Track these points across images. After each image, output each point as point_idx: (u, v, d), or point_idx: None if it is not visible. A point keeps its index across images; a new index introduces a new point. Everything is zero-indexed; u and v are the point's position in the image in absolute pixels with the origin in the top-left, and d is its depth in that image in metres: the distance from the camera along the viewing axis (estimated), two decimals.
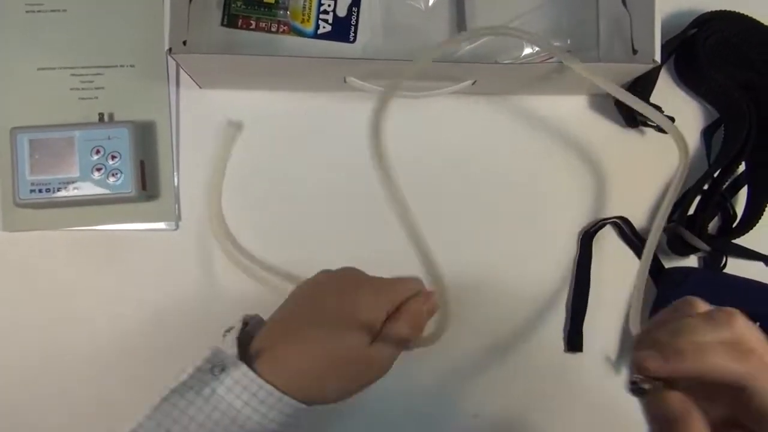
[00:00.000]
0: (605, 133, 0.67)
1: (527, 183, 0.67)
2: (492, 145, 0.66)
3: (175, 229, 0.65)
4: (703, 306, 0.37)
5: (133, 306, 0.63)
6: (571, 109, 0.67)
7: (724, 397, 0.34)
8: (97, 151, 0.58)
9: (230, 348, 0.44)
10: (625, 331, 0.66)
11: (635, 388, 0.33)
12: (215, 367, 0.43)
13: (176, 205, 0.64)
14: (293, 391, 0.43)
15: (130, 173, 0.59)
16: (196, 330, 0.54)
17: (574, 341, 0.65)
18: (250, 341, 0.46)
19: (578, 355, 0.65)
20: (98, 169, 0.58)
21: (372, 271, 0.51)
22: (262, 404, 0.42)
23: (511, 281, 0.66)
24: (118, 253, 0.64)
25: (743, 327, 0.34)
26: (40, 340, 0.62)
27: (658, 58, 0.56)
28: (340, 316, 0.46)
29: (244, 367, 0.42)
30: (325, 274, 0.50)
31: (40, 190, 0.58)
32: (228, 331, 0.46)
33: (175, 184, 0.64)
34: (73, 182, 0.58)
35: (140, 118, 0.63)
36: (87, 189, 0.58)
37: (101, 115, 0.61)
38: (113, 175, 0.58)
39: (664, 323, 0.36)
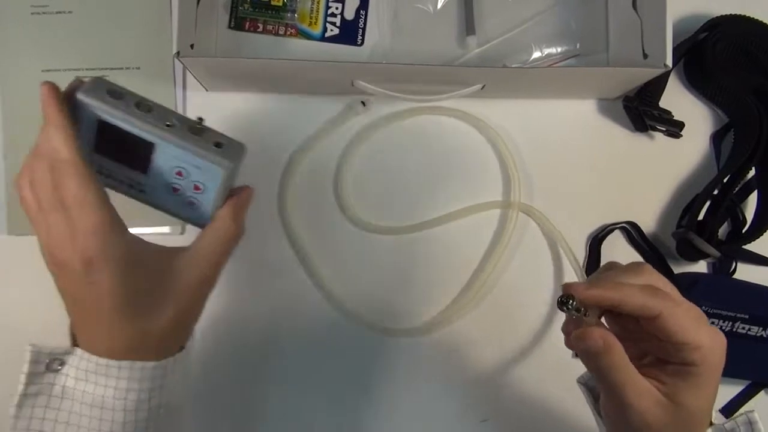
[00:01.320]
0: (614, 137, 0.66)
1: (535, 187, 0.66)
2: (498, 148, 0.66)
3: (181, 233, 0.64)
4: (621, 264, 0.42)
5: None
6: (579, 113, 0.67)
7: (646, 342, 0.40)
8: (179, 173, 0.44)
9: (61, 342, 0.42)
10: None
11: (561, 301, 0.38)
12: (52, 362, 0.40)
13: None
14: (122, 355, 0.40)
15: (210, 208, 0.46)
16: (204, 343, 0.53)
17: None
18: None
19: None
20: (174, 189, 0.45)
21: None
22: (113, 378, 0.39)
23: (520, 286, 0.65)
24: None
25: (653, 273, 0.40)
26: None
27: (669, 62, 0.56)
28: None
29: (79, 351, 0.40)
30: None
31: (100, 171, 0.45)
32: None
33: None
34: (138, 184, 0.46)
35: None
36: (154, 197, 0.47)
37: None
38: (190, 203, 0.46)
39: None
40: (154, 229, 0.63)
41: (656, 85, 0.63)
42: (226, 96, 0.64)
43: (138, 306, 0.40)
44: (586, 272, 0.66)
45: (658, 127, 0.64)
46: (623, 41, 0.64)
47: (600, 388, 0.42)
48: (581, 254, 0.66)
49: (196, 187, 0.45)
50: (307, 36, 0.65)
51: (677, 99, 0.67)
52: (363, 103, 0.64)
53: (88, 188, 0.38)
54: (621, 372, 0.38)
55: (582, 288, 0.38)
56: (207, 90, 0.64)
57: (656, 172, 0.66)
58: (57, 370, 0.40)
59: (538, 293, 0.65)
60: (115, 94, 0.42)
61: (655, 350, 0.40)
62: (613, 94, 0.66)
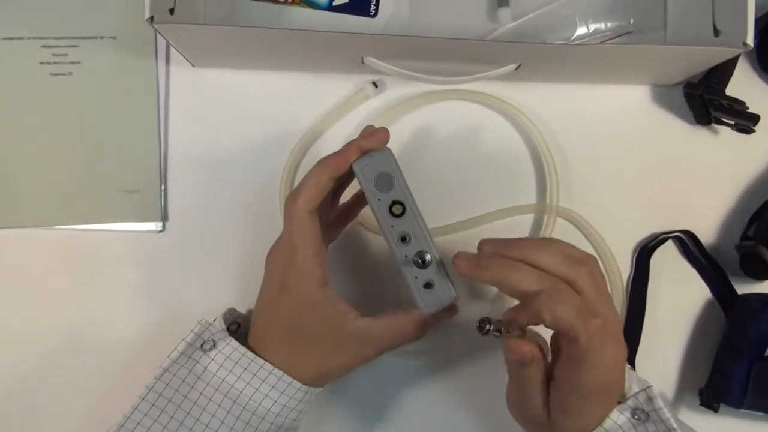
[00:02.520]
0: (671, 130, 0.58)
1: (575, 188, 0.57)
2: (535, 142, 0.56)
3: (160, 231, 0.55)
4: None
5: (105, 324, 0.55)
6: (630, 101, 0.58)
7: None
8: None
9: (218, 327, 0.45)
10: (687, 368, 0.56)
11: (479, 326, 0.40)
12: (205, 343, 0.44)
13: (162, 202, 0.55)
14: (285, 368, 0.43)
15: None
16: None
17: None
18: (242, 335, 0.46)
19: None
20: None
21: None
22: (255, 378, 0.43)
23: None
24: (87, 262, 0.55)
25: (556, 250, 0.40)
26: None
27: (750, 40, 0.46)
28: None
29: (233, 342, 0.43)
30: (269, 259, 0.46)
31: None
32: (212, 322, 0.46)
33: (161, 177, 0.55)
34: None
35: (123, 97, 0.54)
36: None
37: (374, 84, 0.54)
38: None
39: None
40: (127, 226, 0.55)
41: (725, 70, 0.53)
42: (215, 73, 0.56)
43: (305, 340, 0.44)
44: (631, 288, 0.56)
45: (726, 120, 0.54)
46: (686, 16, 0.54)
47: (511, 380, 0.44)
48: (626, 267, 0.57)
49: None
50: (313, 5, 0.55)
51: (746, 87, 0.57)
52: (374, 84, 0.56)
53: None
54: (534, 383, 0.41)
55: (465, 265, 0.41)
56: (193, 65, 0.56)
57: (720, 172, 0.58)
58: (206, 350, 0.43)
59: None
60: (382, 183, 0.43)
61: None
62: (673, 79, 0.56)
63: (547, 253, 0.39)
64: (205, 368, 0.43)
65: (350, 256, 0.56)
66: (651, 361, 0.55)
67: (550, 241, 0.41)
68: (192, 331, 0.44)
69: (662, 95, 0.58)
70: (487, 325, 0.39)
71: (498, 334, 0.39)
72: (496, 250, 0.41)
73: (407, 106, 0.56)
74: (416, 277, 0.43)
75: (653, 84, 0.58)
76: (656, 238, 0.56)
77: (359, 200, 0.50)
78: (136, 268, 0.55)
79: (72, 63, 0.54)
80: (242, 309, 0.52)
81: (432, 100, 0.57)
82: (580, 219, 0.56)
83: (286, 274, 0.43)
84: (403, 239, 0.42)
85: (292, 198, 0.43)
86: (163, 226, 0.55)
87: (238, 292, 0.55)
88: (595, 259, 0.40)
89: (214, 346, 0.43)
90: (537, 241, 0.47)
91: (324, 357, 0.45)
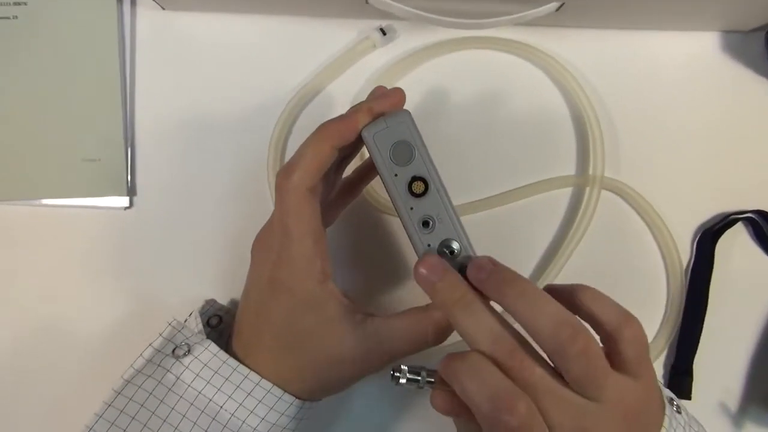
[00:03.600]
0: (745, 87, 0.49)
1: (623, 158, 0.48)
2: (576, 101, 0.47)
3: (127, 208, 0.47)
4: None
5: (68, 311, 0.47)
6: (695, 50, 0.49)
7: None
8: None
9: (194, 326, 0.39)
10: (755, 375, 0.47)
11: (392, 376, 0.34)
12: (178, 348, 0.37)
13: (128, 173, 0.47)
14: (276, 380, 0.37)
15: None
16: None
17: (679, 383, 0.47)
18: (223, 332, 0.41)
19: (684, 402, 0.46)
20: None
21: None
22: (239, 390, 0.36)
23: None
24: (40, 243, 0.47)
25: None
26: None
27: None
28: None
29: (212, 346, 0.37)
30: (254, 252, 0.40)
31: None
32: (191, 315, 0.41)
33: (127, 143, 0.47)
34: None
35: (79, 48, 0.46)
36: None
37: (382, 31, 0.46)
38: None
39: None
40: (88, 201, 0.47)
41: None
42: (190, 18, 0.48)
43: (304, 341, 0.37)
44: (690, 279, 0.47)
45: None
46: None
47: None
48: (685, 254, 0.48)
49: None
50: None
51: None
52: (382, 30, 0.47)
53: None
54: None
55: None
56: (163, 8, 0.47)
57: None
58: (178, 357, 0.37)
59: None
60: (399, 155, 0.35)
61: None
62: (749, 23, 0.47)
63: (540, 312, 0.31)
64: (178, 378, 0.37)
65: (355, 242, 0.47)
66: (712, 366, 0.47)
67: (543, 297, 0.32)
68: (160, 334, 0.38)
69: (734, 43, 0.48)
70: (397, 374, 0.33)
71: (415, 383, 0.33)
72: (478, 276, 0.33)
73: (421, 57, 0.47)
74: None
75: (724, 30, 0.49)
76: (723, 219, 0.47)
77: (364, 174, 0.43)
78: (99, 250, 0.47)
79: (17, 4, 0.46)
80: (224, 300, 0.44)
81: (452, 49, 0.47)
82: (630, 191, 0.47)
83: (278, 266, 0.36)
84: (426, 224, 0.35)
85: (285, 173, 0.35)
86: (131, 202, 0.47)
87: (218, 280, 0.47)
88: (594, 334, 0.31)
89: (189, 351, 0.37)
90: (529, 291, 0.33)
91: (324, 366, 0.37)
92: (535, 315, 0.30)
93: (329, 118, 0.35)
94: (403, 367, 0.33)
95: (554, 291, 0.32)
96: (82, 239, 0.47)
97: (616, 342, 0.31)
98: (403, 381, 0.33)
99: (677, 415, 0.35)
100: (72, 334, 0.47)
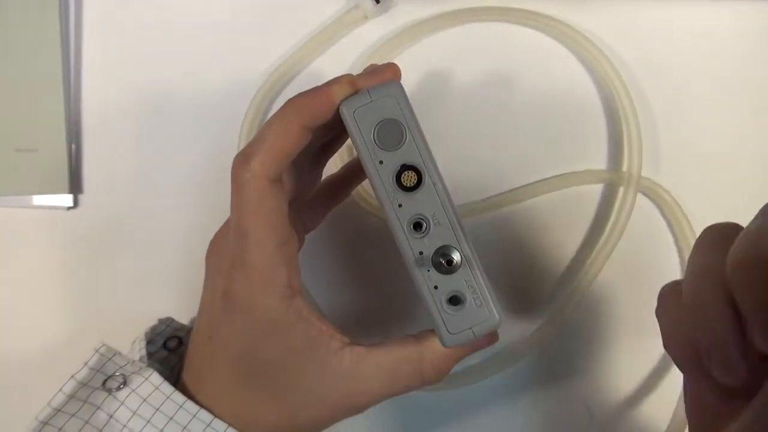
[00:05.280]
0: None
1: (662, 154, 0.40)
2: (608, 86, 0.39)
3: (71, 207, 0.40)
4: None
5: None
6: (754, 22, 0.40)
7: None
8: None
9: (136, 352, 0.33)
10: None
11: None
12: (111, 379, 0.31)
13: (70, 167, 0.40)
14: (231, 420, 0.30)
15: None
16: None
17: None
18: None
19: None
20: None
21: None
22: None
23: (622, 301, 0.40)
24: None
25: None
26: None
27: None
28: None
29: (155, 376, 0.31)
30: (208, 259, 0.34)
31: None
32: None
33: (70, 132, 0.40)
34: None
35: (10, 13, 0.39)
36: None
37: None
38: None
39: None
40: (33, 199, 0.40)
41: None
42: None
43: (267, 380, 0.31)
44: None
45: None
46: None
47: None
48: None
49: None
50: None
51: None
52: None
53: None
54: None
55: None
56: None
57: None
58: (111, 390, 0.31)
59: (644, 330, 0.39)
60: (386, 137, 0.28)
61: None
62: None
63: None
64: (111, 417, 0.30)
65: (341, 251, 0.40)
66: None
67: None
68: (86, 363, 0.31)
69: None
70: None
71: None
72: None
73: (423, 29, 0.40)
74: (436, 287, 0.28)
75: None
76: None
77: (353, 172, 0.36)
78: (36, 258, 0.40)
79: None
80: (185, 319, 0.38)
81: (458, 21, 0.40)
82: (668, 198, 0.39)
83: (231, 277, 0.29)
84: (417, 226, 0.28)
85: (242, 159, 0.28)
86: (75, 201, 0.40)
87: (179, 294, 0.40)
88: None
89: (125, 383, 0.31)
90: None
91: (292, 404, 0.30)
92: None
93: (300, 92, 0.28)
94: None
95: None
96: (16, 245, 0.40)
97: None
98: None
99: None
100: None
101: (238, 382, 0.30)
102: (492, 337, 0.32)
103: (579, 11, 0.40)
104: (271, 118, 0.28)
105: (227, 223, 0.32)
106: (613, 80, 0.39)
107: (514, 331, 0.40)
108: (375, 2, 0.39)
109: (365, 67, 0.31)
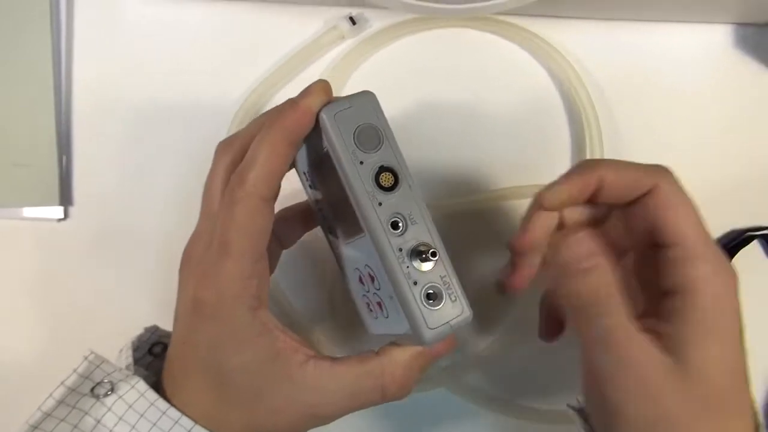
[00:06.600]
0: (762, 85, 0.45)
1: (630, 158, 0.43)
2: (573, 97, 0.43)
3: (61, 219, 0.42)
4: None
5: None
6: (705, 45, 0.45)
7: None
8: (367, 277, 0.35)
9: (123, 360, 0.35)
10: None
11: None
12: (99, 385, 0.33)
13: (60, 180, 0.42)
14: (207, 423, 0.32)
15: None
16: None
17: None
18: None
19: None
20: (360, 280, 0.36)
21: None
22: None
23: None
24: None
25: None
26: None
27: None
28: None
29: (141, 384, 0.32)
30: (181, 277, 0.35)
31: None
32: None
33: (60, 145, 0.42)
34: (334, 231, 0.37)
35: (4, 31, 0.41)
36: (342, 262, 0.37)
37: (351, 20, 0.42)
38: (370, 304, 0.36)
39: None
40: (25, 212, 0.42)
41: None
42: (140, 2, 0.43)
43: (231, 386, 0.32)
44: None
45: None
46: None
47: (583, 350, 0.32)
48: None
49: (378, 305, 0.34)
50: None
51: None
52: (352, 19, 0.43)
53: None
54: (610, 315, 0.30)
55: (555, 189, 0.32)
56: None
57: None
58: (99, 396, 0.32)
59: None
60: (366, 140, 0.30)
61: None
62: (766, 14, 0.43)
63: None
64: (98, 422, 0.32)
65: (311, 260, 0.42)
66: None
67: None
68: (75, 370, 0.33)
69: (750, 38, 0.45)
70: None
71: None
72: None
73: (390, 35, 0.43)
74: (415, 283, 0.29)
75: (738, 22, 0.45)
76: (738, 236, 0.44)
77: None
78: (29, 268, 0.42)
79: None
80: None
81: (427, 26, 0.43)
82: None
83: (202, 284, 0.31)
84: (395, 225, 0.30)
85: (238, 180, 0.30)
86: (65, 213, 0.42)
87: (168, 304, 0.41)
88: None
89: (113, 389, 0.33)
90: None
91: (258, 412, 0.32)
92: None
93: (273, 107, 0.30)
94: None
95: None
96: (7, 256, 0.41)
97: None
98: None
99: None
100: None
101: (209, 389, 0.32)
102: (451, 343, 0.34)
103: (550, 29, 0.43)
104: (259, 136, 0.30)
105: (197, 234, 0.33)
106: (578, 92, 0.42)
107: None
108: (351, 23, 0.41)
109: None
